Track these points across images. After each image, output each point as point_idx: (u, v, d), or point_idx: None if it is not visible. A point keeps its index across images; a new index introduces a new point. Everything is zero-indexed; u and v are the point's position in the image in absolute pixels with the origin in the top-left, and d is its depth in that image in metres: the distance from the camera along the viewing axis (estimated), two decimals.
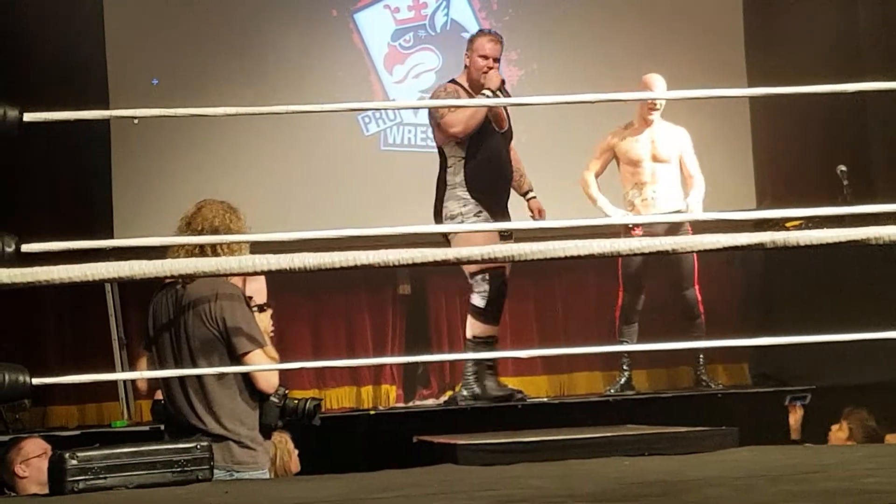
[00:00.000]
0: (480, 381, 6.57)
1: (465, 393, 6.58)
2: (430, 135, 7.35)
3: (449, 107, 6.40)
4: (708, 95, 3.42)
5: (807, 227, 6.53)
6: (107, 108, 7.68)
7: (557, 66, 8.37)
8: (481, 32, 6.63)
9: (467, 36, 6.82)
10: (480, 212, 6.42)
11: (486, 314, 6.48)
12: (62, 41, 8.14)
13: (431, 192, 6.72)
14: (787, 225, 6.76)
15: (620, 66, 8.08)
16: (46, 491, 3.55)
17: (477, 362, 6.55)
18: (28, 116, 2.63)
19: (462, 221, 6.34)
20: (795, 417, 6.22)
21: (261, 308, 4.46)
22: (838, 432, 5.97)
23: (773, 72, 7.99)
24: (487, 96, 6.32)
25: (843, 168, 7.24)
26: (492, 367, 6.67)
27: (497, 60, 6.42)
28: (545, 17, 8.56)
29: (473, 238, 6.33)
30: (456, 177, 6.45)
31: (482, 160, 6.44)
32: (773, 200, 8.22)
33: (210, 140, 8.33)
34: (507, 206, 6.52)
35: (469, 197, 6.44)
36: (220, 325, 4.06)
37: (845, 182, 7.18)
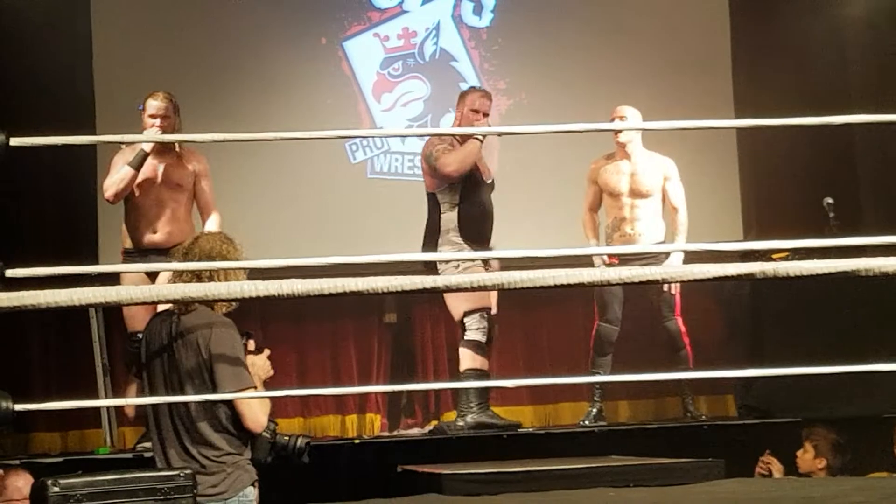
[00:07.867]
0: (484, 410, 6.65)
1: (468, 420, 6.58)
2: (417, 163, 7.38)
3: (441, 148, 6.53)
4: (695, 126, 3.41)
5: (793, 260, 6.52)
6: (94, 133, 7.66)
7: (546, 96, 8.37)
8: (473, 89, 6.85)
9: (456, 65, 6.89)
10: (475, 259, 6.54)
11: (485, 349, 6.63)
12: (49, 65, 8.11)
13: (418, 220, 6.70)
14: (774, 257, 6.76)
15: (610, 96, 8.09)
16: None
17: (481, 393, 6.61)
18: (14, 141, 2.60)
19: (458, 267, 6.39)
20: (777, 469, 6.11)
21: (258, 350, 4.43)
22: (805, 455, 5.92)
23: (761, 104, 8.01)
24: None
25: (830, 200, 7.24)
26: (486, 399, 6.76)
27: (487, 115, 6.63)
28: (534, 46, 8.56)
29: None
30: (450, 223, 6.58)
31: (474, 208, 6.61)
32: (760, 232, 8.22)
33: None
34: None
35: (463, 242, 6.56)
36: (208, 359, 4.02)
37: (831, 215, 7.19)
